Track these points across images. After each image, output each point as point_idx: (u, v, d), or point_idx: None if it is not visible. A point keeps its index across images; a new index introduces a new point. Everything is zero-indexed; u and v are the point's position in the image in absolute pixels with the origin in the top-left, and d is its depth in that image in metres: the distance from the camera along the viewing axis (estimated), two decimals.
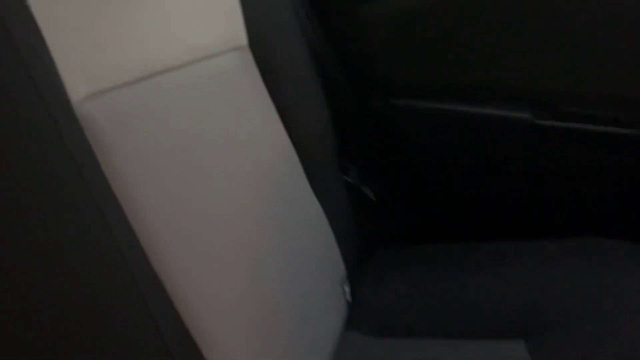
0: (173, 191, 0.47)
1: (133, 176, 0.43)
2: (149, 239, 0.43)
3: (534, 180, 0.90)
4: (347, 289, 0.76)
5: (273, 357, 0.55)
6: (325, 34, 0.88)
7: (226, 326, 0.49)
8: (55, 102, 0.37)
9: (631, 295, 0.68)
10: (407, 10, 0.81)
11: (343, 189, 0.81)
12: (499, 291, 0.74)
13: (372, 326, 0.75)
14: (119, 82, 0.44)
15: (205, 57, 0.59)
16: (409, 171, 0.96)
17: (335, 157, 0.79)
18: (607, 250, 0.78)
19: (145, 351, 0.42)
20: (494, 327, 0.71)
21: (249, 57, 0.67)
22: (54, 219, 0.37)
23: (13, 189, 0.35)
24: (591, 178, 0.88)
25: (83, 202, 0.38)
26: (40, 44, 0.38)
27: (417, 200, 0.99)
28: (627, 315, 0.66)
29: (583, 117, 0.83)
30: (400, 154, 0.95)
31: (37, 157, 0.36)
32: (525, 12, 0.77)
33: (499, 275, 0.76)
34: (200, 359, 0.46)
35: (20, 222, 0.36)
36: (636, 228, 0.86)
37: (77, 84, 0.40)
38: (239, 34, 0.66)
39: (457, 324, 0.73)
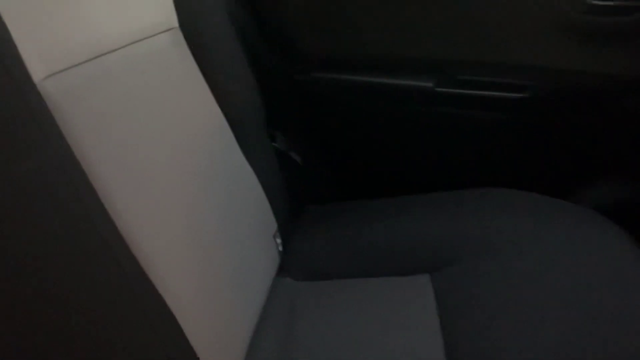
0: (122, 151, 0.55)
1: (88, 140, 0.51)
2: (107, 194, 0.51)
3: (438, 141, 1.03)
4: (278, 240, 0.86)
5: (215, 298, 0.65)
6: (250, 11, 0.96)
7: (175, 269, 0.58)
8: (25, 83, 0.45)
9: (523, 236, 0.81)
10: None
11: (272, 154, 0.91)
12: (408, 235, 0.86)
13: (301, 272, 0.86)
14: (71, 64, 0.52)
15: (142, 39, 0.66)
16: (331, 137, 1.07)
17: (264, 125, 0.88)
18: (505, 198, 0.91)
19: (112, 294, 0.51)
20: (403, 265, 0.83)
21: (180, 37, 0.75)
22: (26, 181, 0.45)
23: None
24: (488, 137, 1.02)
25: (52, 165, 0.46)
26: (5, 33, 0.45)
27: (339, 162, 1.11)
28: (518, 254, 0.79)
29: (478, 84, 0.96)
30: (323, 122, 1.06)
31: (13, 134, 0.44)
32: None
33: (408, 222, 0.88)
34: (160, 301, 0.55)
35: None
36: (530, 179, 1.01)
37: (36, 66, 0.47)
38: (171, 17, 0.74)
39: (373, 265, 0.85)
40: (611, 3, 0.85)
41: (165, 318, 0.56)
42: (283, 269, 0.87)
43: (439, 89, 0.96)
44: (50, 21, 0.50)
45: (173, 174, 0.63)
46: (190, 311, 0.59)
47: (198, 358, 0.59)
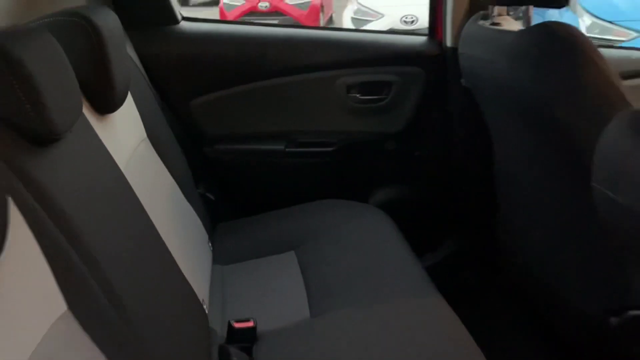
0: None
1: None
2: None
3: (291, 177, 1.77)
4: (209, 244, 1.51)
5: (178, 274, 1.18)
6: (175, 114, 1.63)
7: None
8: None
9: (337, 224, 1.54)
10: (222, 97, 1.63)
11: (198, 196, 1.57)
12: (281, 229, 1.57)
13: (224, 260, 1.53)
14: None
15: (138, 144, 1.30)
16: (230, 181, 1.77)
17: (191, 179, 1.54)
18: (330, 204, 1.65)
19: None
20: (278, 247, 1.53)
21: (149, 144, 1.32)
22: None
23: None
24: (317, 173, 1.77)
25: None
26: None
27: (236, 197, 1.80)
28: (349, 241, 1.47)
29: (310, 144, 1.72)
30: (225, 174, 1.75)
31: None
32: (275, 94, 1.64)
33: (281, 222, 1.59)
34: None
35: None
36: (342, 192, 1.76)
37: None
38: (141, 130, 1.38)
39: (262, 250, 1.53)
40: (371, 97, 1.67)
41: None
42: (214, 260, 1.53)
43: (287, 149, 1.71)
44: None
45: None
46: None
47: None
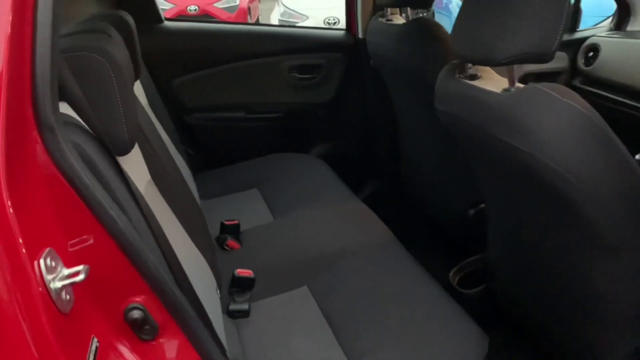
0: None
1: None
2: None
3: (252, 135, 2.35)
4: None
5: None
6: (161, 96, 2.16)
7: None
8: None
9: (289, 170, 2.14)
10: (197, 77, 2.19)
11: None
12: (246, 174, 2.16)
13: (206, 196, 2.06)
14: None
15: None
16: (208, 142, 2.34)
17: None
18: (283, 157, 2.23)
19: None
20: (245, 186, 2.11)
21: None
22: None
23: None
24: (271, 132, 2.36)
25: None
26: None
27: (210, 153, 2.37)
28: (298, 181, 2.11)
29: (263, 111, 2.32)
30: (200, 137, 2.31)
31: None
32: (236, 75, 2.22)
33: (245, 170, 2.18)
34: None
35: None
36: (289, 146, 2.34)
37: None
38: None
39: (233, 188, 2.10)
40: (306, 76, 2.28)
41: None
42: (200, 196, 2.07)
43: (247, 116, 2.30)
44: None
45: None
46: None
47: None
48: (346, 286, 1.46)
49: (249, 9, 8.27)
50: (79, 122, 0.88)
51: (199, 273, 1.21)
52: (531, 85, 1.05)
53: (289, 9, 6.90)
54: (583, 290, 1.18)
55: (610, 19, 2.38)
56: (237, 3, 8.05)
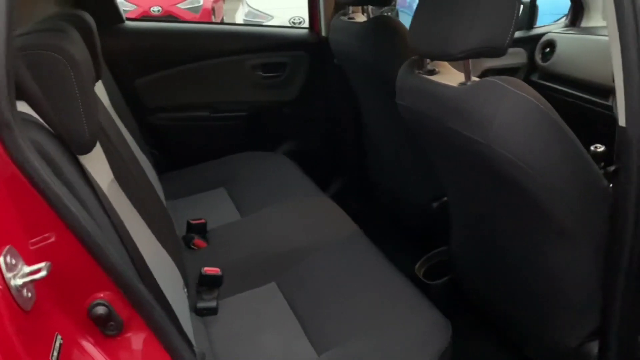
0: None
1: None
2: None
3: (216, 134, 2.34)
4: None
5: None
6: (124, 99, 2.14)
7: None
8: None
9: (257, 168, 2.16)
10: (159, 77, 2.17)
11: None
12: (212, 174, 2.16)
13: (172, 196, 2.06)
14: None
15: None
16: (173, 142, 2.32)
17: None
18: (249, 156, 2.23)
19: None
20: (211, 185, 2.11)
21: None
22: None
23: None
24: (236, 132, 2.36)
25: None
26: None
27: (175, 153, 2.35)
28: (265, 179, 2.11)
29: (230, 110, 2.32)
30: (163, 136, 2.30)
31: None
32: (200, 74, 2.21)
33: (211, 170, 2.18)
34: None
35: None
36: (257, 145, 2.34)
37: None
38: None
39: (198, 188, 2.11)
40: (271, 74, 2.29)
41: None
42: (166, 197, 2.06)
43: (211, 115, 2.29)
44: None
45: None
46: None
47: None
48: (313, 281, 1.47)
49: (213, 9, 8.21)
50: (38, 120, 0.88)
51: (165, 271, 1.20)
52: (486, 78, 1.08)
53: (253, 9, 6.88)
54: (541, 276, 1.22)
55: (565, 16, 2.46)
56: (201, 3, 8.00)
